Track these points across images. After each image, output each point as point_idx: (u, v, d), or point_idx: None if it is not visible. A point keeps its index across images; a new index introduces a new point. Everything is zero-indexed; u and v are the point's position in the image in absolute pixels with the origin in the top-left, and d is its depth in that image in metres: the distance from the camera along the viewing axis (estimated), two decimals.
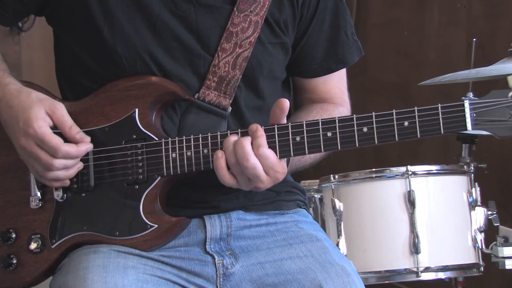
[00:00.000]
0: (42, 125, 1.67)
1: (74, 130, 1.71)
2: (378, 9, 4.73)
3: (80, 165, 1.72)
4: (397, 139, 1.59)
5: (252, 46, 1.78)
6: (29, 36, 4.17)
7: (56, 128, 1.70)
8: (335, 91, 1.97)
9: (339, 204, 2.78)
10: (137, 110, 1.74)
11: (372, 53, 4.43)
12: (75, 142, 1.70)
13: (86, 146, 1.71)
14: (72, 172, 1.72)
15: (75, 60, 1.83)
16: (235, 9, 1.78)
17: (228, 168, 1.64)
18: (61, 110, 1.71)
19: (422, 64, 4.35)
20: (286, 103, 1.64)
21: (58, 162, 1.68)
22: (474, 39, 3.26)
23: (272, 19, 1.81)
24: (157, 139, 1.72)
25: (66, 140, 1.70)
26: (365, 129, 1.61)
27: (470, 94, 2.84)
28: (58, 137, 1.68)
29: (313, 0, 1.86)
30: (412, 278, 2.70)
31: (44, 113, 1.69)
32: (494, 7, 4.02)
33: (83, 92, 1.80)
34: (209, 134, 1.68)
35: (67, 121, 1.70)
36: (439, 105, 1.57)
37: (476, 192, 2.80)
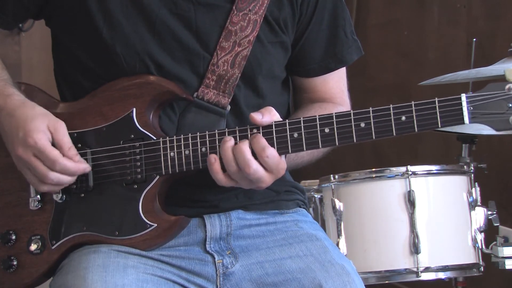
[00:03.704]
0: (42, 138, 1.67)
1: (73, 152, 1.70)
2: (378, 9, 4.73)
3: (72, 180, 1.72)
4: (394, 134, 1.60)
5: (251, 44, 1.78)
6: (29, 36, 4.17)
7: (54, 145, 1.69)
8: (334, 90, 1.97)
9: (339, 204, 2.78)
10: (134, 109, 1.74)
11: (372, 53, 4.43)
12: (74, 160, 1.69)
13: (84, 165, 1.71)
14: (59, 188, 1.72)
15: (74, 60, 1.83)
16: (234, 7, 1.78)
17: (224, 170, 1.64)
18: (63, 129, 1.70)
19: (422, 64, 4.35)
20: (253, 116, 1.63)
21: (54, 175, 1.67)
22: (474, 39, 3.26)
23: (272, 17, 1.81)
24: (155, 138, 1.72)
25: None
26: (362, 125, 1.61)
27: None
28: (57, 150, 1.68)
29: None
30: (412, 278, 2.70)
31: (45, 127, 1.69)
32: (494, 7, 4.01)
33: (82, 92, 1.81)
34: (207, 132, 1.68)
35: (67, 141, 1.70)
36: (436, 99, 1.57)
37: (476, 192, 2.80)
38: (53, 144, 1.69)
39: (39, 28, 4.05)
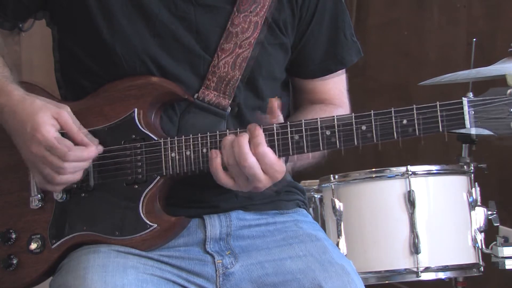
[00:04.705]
0: (50, 130, 1.66)
1: (81, 135, 1.69)
2: (378, 9, 4.73)
3: (89, 163, 1.71)
4: (396, 137, 1.60)
5: (252, 46, 1.78)
6: (29, 36, 4.16)
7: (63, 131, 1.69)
8: (334, 92, 1.97)
9: (339, 204, 2.78)
10: (136, 110, 1.74)
11: (372, 54, 4.43)
12: (84, 144, 1.69)
13: (95, 149, 1.70)
14: (79, 175, 1.71)
15: (74, 60, 1.83)
16: (235, 9, 1.78)
17: (224, 169, 1.64)
18: (66, 114, 1.70)
19: (422, 64, 4.35)
20: (275, 101, 1.64)
21: (69, 165, 1.67)
22: (474, 39, 3.26)
23: (272, 19, 1.81)
24: (156, 138, 1.72)
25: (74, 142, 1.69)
26: (364, 128, 1.61)
27: (470, 94, 2.82)
28: (67, 140, 1.67)
29: (312, 1, 1.86)
30: (412, 278, 2.70)
31: (50, 117, 1.68)
32: (494, 7, 4.02)
33: (82, 93, 1.81)
34: (208, 133, 1.68)
35: (74, 124, 1.70)
36: (438, 103, 1.57)
37: (476, 192, 2.80)
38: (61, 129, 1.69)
39: (39, 28, 4.03)
